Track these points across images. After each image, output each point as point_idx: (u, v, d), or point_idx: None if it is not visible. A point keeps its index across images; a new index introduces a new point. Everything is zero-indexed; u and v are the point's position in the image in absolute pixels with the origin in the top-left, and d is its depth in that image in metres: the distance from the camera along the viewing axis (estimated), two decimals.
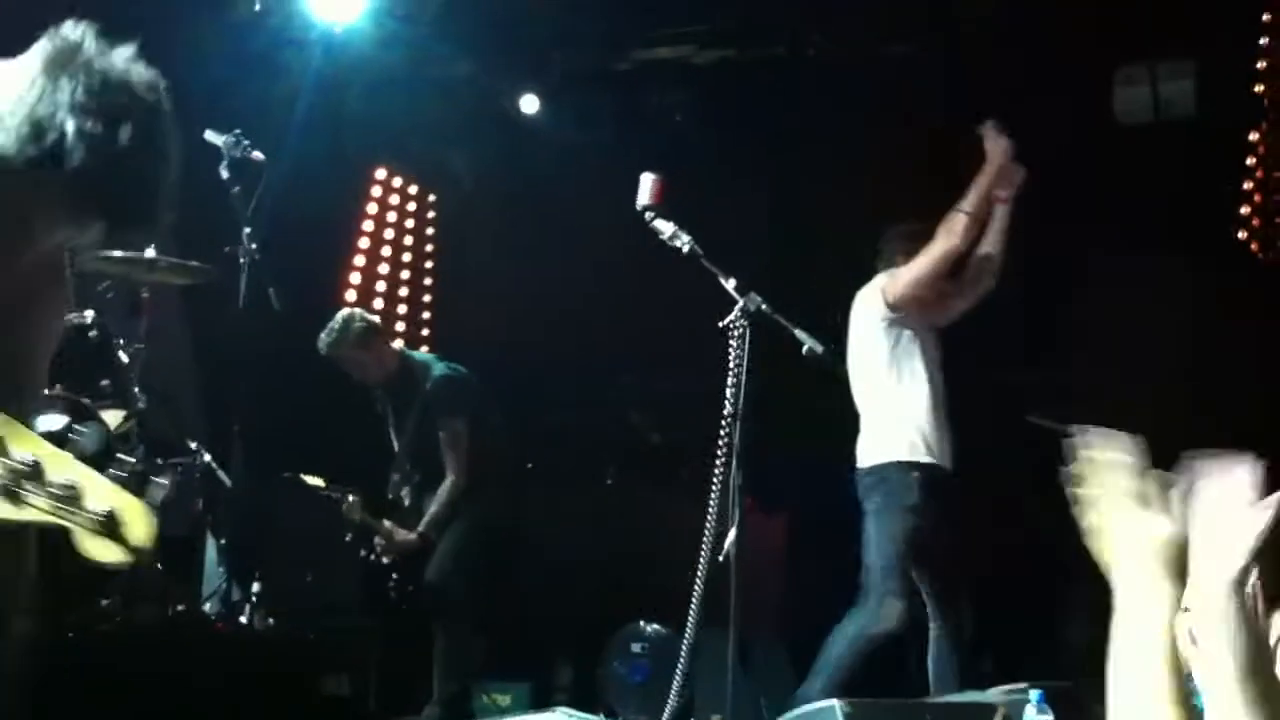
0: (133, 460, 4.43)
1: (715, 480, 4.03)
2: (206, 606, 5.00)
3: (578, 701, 6.66)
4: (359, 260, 7.54)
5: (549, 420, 7.30)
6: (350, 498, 5.62)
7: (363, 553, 5.68)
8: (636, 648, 6.53)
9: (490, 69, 7.33)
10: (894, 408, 4.92)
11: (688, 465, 7.31)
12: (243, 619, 4.88)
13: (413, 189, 7.86)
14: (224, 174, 4.99)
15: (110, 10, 5.95)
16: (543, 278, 7.34)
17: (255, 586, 4.88)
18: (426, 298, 7.98)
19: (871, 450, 4.95)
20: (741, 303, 4.05)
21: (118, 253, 4.91)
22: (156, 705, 4.04)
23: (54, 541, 4.03)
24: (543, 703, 6.65)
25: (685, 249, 4.14)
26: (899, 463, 4.82)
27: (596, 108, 7.48)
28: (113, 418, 4.58)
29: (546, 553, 6.96)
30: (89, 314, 4.71)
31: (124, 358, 4.77)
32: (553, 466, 7.10)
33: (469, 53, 7.16)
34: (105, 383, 4.65)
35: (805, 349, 4.18)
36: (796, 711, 3.89)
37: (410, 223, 7.85)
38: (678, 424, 7.39)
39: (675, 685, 4.06)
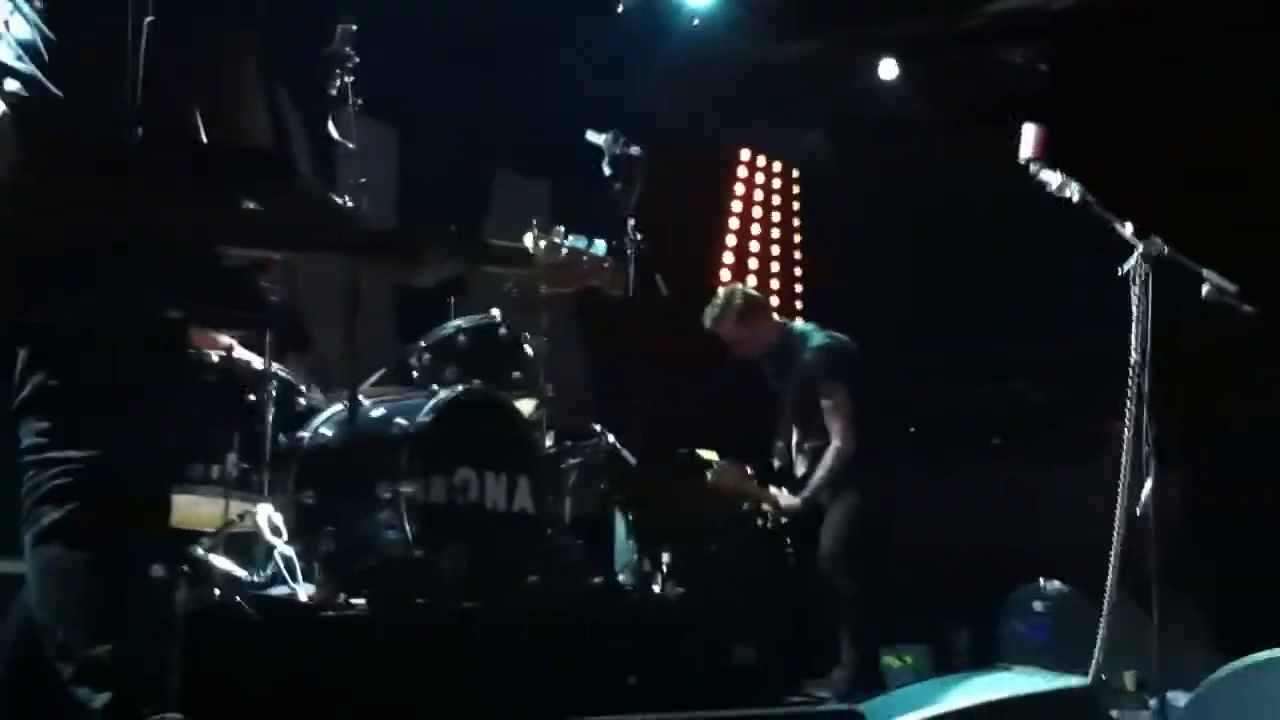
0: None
1: (1126, 432, 3.94)
2: (621, 579, 5.25)
3: (978, 662, 6.62)
4: (731, 240, 7.74)
5: (929, 386, 7.27)
6: (720, 462, 5.78)
7: (759, 521, 5.83)
8: (1038, 606, 6.45)
9: (842, 40, 7.33)
10: None
11: (1074, 425, 7.12)
12: (655, 589, 5.09)
13: (776, 166, 7.99)
14: (606, 171, 5.21)
15: (490, 30, 6.33)
16: (913, 243, 7.31)
17: (664, 558, 5.08)
18: (797, 271, 8.09)
19: None
20: (1141, 247, 3.96)
21: None
22: (580, 672, 4.28)
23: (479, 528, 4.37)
24: (943, 664, 6.65)
25: (1075, 198, 4.07)
26: None
27: (953, 68, 7.36)
28: (526, 406, 4.89)
29: (936, 516, 6.94)
30: (496, 311, 5.04)
31: (530, 350, 5.07)
32: (936, 432, 7.06)
33: (820, 26, 7.20)
34: (517, 375, 4.96)
35: (1207, 290, 4.03)
36: (1245, 661, 3.71)
37: (777, 199, 7.99)
38: (1061, 384, 7.21)
39: (1100, 640, 3.98)
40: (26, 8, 2.30)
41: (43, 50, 2.28)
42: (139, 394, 2.39)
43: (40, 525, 2.30)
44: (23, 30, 2.29)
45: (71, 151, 2.20)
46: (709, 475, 5.79)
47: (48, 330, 2.25)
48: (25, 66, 2.25)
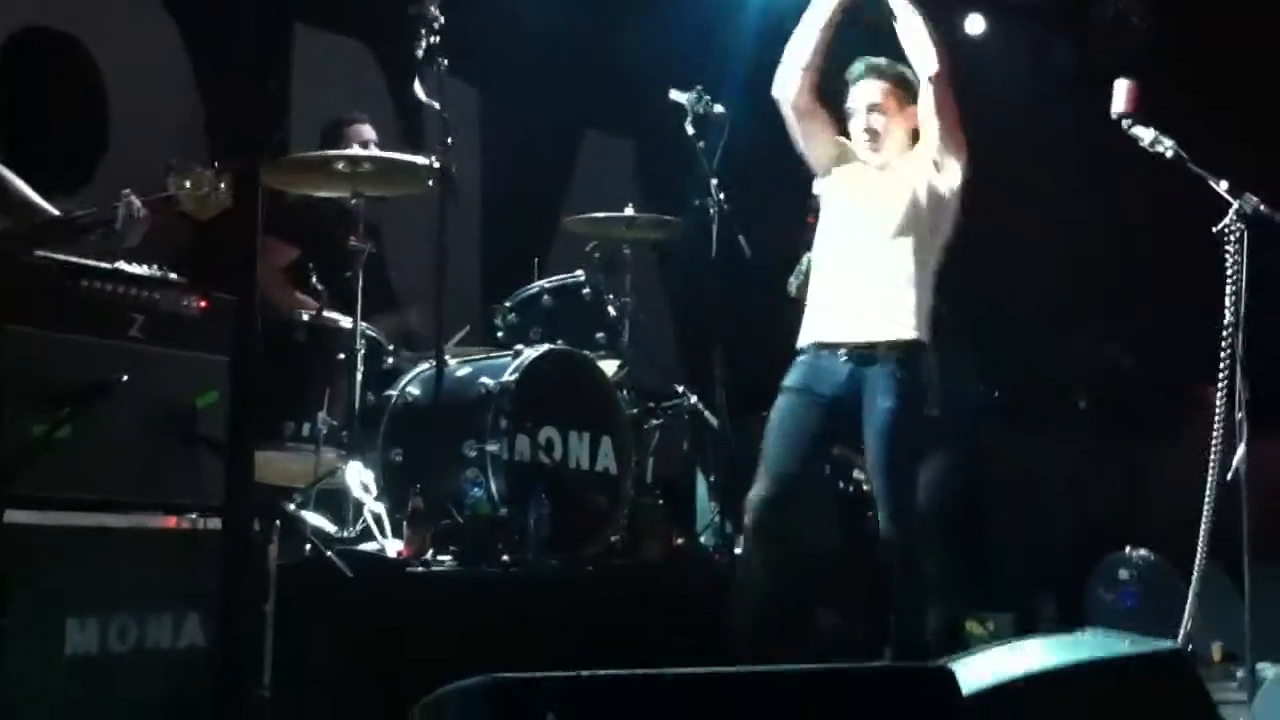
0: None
1: (1219, 396, 3.87)
2: (702, 540, 5.27)
3: (1061, 629, 6.55)
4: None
5: (1016, 349, 7.18)
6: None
7: (840, 484, 5.81)
8: (1124, 574, 6.38)
9: None
10: None
11: (1165, 389, 7.00)
12: (737, 551, 5.10)
13: None
14: (689, 130, 5.18)
15: None
16: (1005, 203, 7.19)
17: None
18: None
19: None
20: (1236, 205, 3.88)
21: (600, 214, 5.26)
22: (664, 628, 4.32)
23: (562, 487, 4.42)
24: (1027, 632, 6.60)
25: (1169, 154, 4.00)
26: None
27: (1045, 21, 7.22)
28: (609, 367, 4.92)
29: (1021, 482, 6.87)
30: (580, 273, 5.07)
31: (613, 312, 5.09)
32: (1023, 395, 6.97)
33: None
34: (600, 336, 5.00)
35: None
36: None
37: None
38: (1152, 345, 7.08)
39: (1189, 609, 3.93)
40: None
41: None
42: None
43: None
44: None
45: None
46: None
47: None
48: None
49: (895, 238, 4.19)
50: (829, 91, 4.33)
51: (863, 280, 4.18)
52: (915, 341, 4.17)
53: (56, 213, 3.38)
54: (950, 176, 4.23)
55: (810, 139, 4.31)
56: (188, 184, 3.27)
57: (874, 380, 4.12)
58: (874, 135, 4.25)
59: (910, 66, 4.25)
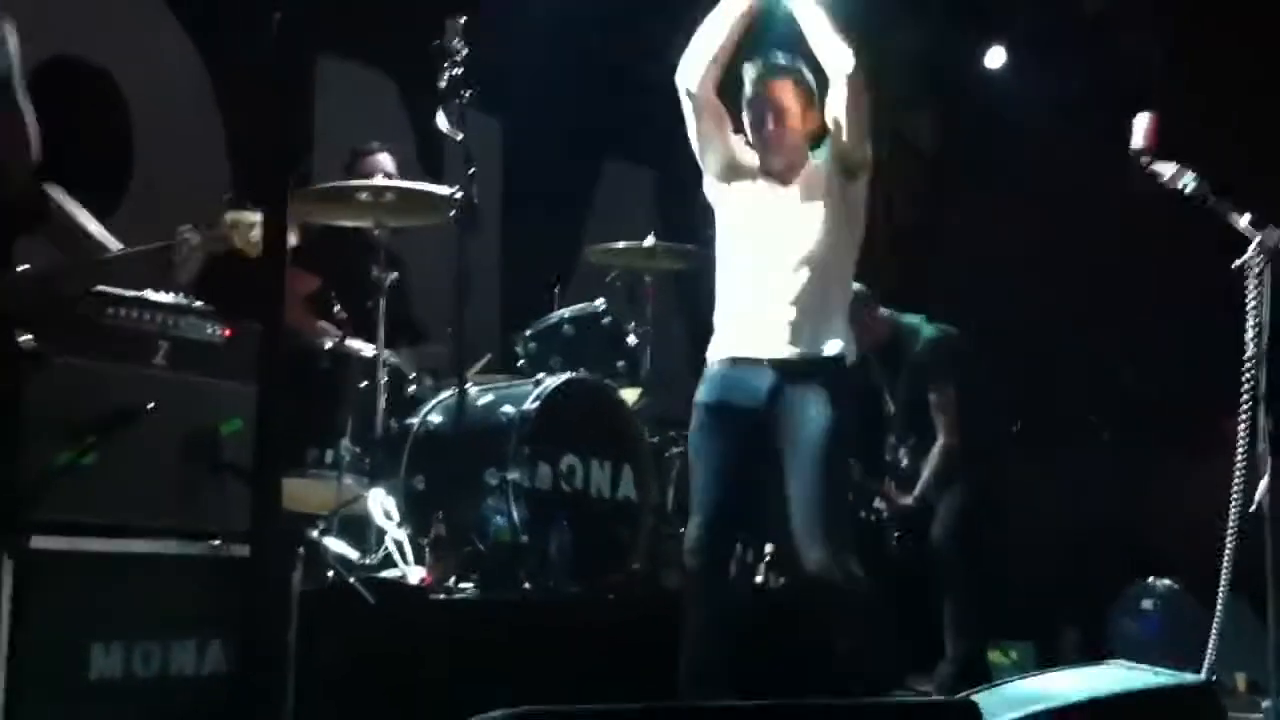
0: None
1: (1241, 428, 3.86)
2: None
3: (1084, 659, 6.52)
4: None
5: (1037, 378, 7.18)
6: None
7: (862, 514, 5.81)
8: (1147, 604, 6.37)
9: (952, 26, 7.25)
10: None
11: (1187, 418, 6.99)
12: (758, 579, 5.11)
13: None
14: None
15: (596, 18, 6.35)
16: (1022, 233, 7.21)
17: (768, 549, 5.09)
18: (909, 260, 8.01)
19: None
20: (1259, 238, 3.87)
21: (621, 244, 5.28)
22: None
23: (583, 515, 4.43)
24: (1049, 660, 6.57)
25: (1189, 189, 3.99)
26: None
27: (1065, 55, 7.25)
28: (630, 395, 4.94)
29: (1043, 512, 6.86)
30: (600, 301, 5.09)
31: (633, 341, 5.11)
32: (1046, 425, 6.97)
33: (931, 12, 7.13)
34: (620, 364, 5.01)
35: None
36: None
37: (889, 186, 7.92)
38: (1173, 376, 7.07)
39: (1212, 639, 3.91)
40: None
41: None
42: None
43: None
44: None
45: None
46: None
47: None
48: None
49: (814, 247, 3.93)
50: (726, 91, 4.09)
51: (782, 294, 3.91)
52: (844, 356, 3.95)
53: (117, 244, 3.37)
54: (860, 178, 4.00)
55: (708, 137, 4.05)
56: (241, 221, 3.26)
57: (802, 395, 3.83)
58: (778, 137, 4.00)
59: (811, 67, 4.02)
